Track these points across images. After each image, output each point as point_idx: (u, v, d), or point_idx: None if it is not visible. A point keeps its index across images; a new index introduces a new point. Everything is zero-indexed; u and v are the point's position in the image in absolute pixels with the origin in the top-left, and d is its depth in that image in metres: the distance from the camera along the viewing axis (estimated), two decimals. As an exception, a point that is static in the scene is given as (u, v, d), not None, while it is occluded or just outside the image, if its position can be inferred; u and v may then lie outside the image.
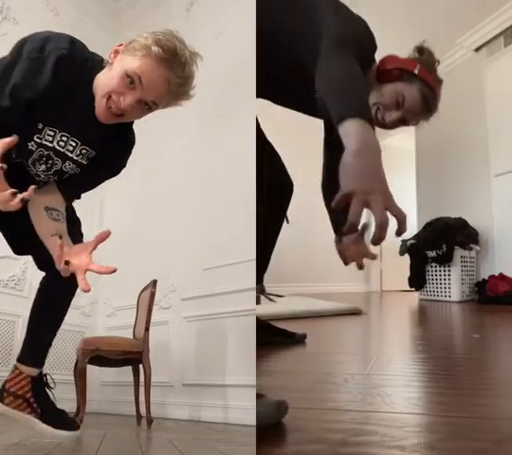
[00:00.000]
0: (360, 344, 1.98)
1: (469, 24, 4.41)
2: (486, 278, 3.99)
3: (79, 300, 3.75)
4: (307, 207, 5.36)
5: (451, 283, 4.17)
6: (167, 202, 3.29)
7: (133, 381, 2.63)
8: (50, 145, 1.19)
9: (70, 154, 1.22)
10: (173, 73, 1.09)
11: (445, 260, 4.18)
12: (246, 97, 2.99)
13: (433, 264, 4.32)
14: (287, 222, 4.03)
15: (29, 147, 1.18)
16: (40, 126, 1.16)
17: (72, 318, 3.49)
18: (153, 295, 2.50)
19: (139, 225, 2.82)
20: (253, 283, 2.82)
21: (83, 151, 1.24)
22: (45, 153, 1.20)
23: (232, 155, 2.93)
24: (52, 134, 1.18)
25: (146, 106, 1.13)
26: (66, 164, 1.23)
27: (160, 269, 3.01)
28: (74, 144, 1.21)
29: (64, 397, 2.87)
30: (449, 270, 4.19)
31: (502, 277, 3.87)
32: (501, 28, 4.25)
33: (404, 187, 5.02)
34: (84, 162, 1.26)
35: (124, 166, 1.35)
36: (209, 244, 2.92)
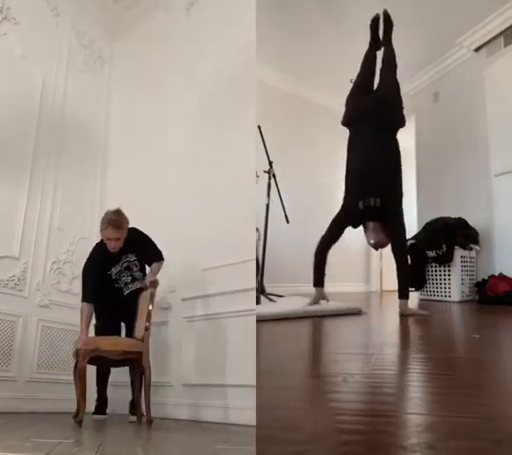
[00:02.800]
0: (360, 344, 1.98)
1: (469, 24, 4.41)
2: (486, 278, 3.99)
3: (79, 299, 3.74)
4: (307, 207, 5.38)
5: (451, 283, 4.17)
6: (166, 203, 3.28)
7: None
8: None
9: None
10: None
11: (445, 260, 4.18)
12: (245, 96, 2.98)
13: (433, 264, 4.32)
14: (287, 222, 4.11)
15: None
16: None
17: (72, 318, 3.49)
18: (152, 295, 2.50)
19: (139, 225, 2.82)
20: (253, 283, 2.83)
21: None
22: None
23: (232, 155, 2.93)
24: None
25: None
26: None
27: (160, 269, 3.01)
28: None
29: (64, 397, 2.88)
30: (449, 270, 4.19)
31: (502, 277, 3.86)
32: (501, 28, 4.25)
33: (404, 187, 5.00)
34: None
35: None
36: (208, 244, 2.92)
